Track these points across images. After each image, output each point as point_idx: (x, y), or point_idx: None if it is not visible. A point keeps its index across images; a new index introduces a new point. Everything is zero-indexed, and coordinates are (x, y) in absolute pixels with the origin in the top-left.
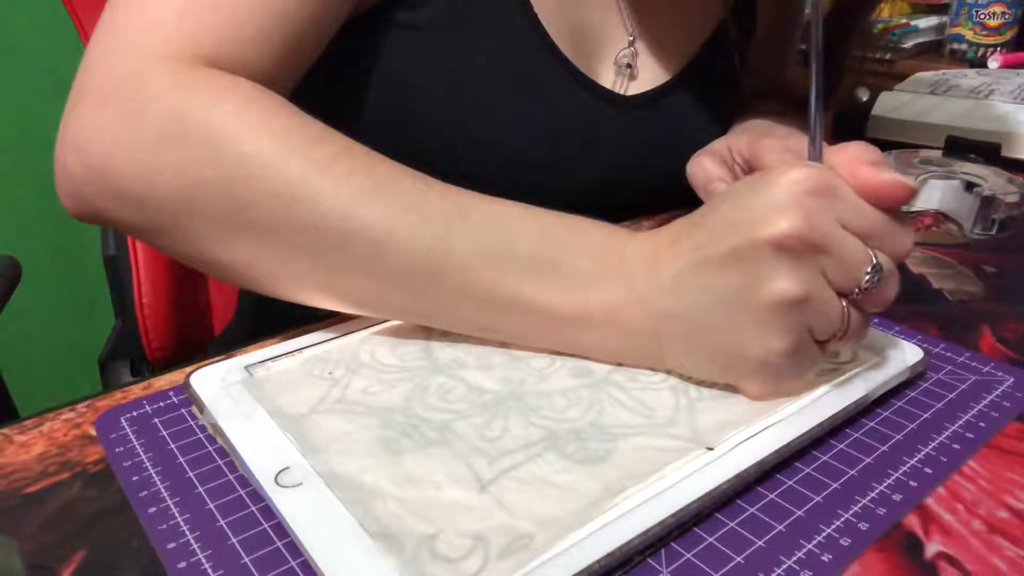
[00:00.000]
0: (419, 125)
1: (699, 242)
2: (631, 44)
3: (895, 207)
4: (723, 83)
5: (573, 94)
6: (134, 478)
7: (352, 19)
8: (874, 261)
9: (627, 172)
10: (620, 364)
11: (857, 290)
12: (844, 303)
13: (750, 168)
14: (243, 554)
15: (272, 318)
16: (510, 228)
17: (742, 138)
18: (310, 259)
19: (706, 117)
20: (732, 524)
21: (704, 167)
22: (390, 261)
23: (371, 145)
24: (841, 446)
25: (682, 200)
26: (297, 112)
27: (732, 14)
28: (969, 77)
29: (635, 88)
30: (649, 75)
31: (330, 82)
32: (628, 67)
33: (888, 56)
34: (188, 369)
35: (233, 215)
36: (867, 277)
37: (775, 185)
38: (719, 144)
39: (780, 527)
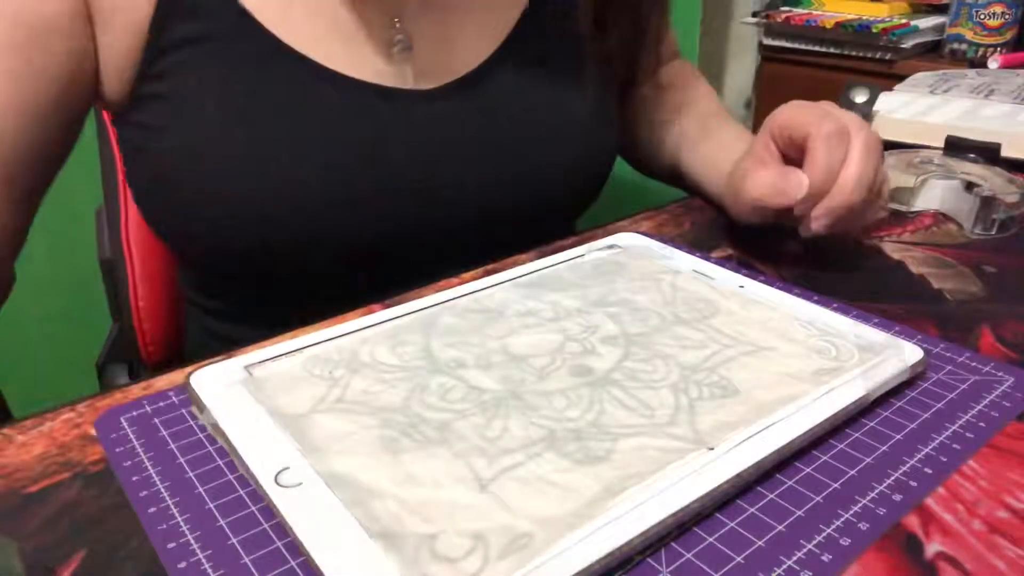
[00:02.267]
0: (214, 185)
1: None
2: (400, 32)
3: None
4: (551, 58)
5: (347, 105)
6: (134, 478)
7: (115, 117)
8: None
9: (455, 176)
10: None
11: None
12: None
13: (790, 138)
14: (243, 554)
15: (272, 322)
16: None
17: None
18: None
19: (535, 99)
20: (732, 524)
21: (765, 178)
22: None
23: (183, 243)
24: (841, 446)
25: (530, 203)
26: None
27: None
28: (969, 77)
29: (437, 80)
30: (455, 61)
31: (131, 178)
32: (408, 55)
33: (888, 56)
34: (188, 369)
35: None
36: None
37: None
38: (756, 148)
39: (780, 527)
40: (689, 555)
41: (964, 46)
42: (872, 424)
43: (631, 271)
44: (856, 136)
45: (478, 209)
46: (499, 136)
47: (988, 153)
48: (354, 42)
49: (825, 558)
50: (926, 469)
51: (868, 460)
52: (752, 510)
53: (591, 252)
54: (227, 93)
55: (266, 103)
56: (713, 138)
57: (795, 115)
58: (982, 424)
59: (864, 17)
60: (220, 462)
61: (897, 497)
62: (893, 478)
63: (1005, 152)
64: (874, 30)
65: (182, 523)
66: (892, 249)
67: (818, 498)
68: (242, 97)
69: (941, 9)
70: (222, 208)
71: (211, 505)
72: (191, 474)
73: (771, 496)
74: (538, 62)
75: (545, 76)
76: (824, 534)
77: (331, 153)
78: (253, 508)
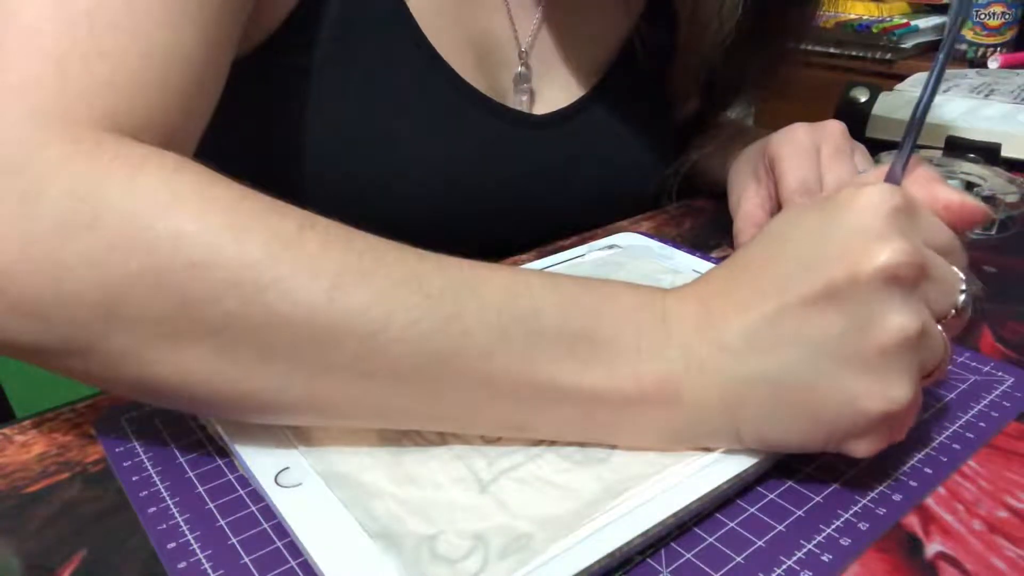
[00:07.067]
0: (321, 167)
1: (769, 289)
2: (524, 62)
3: (968, 229)
4: (639, 100)
5: (471, 117)
6: (134, 478)
7: (237, 68)
8: (963, 278)
9: (538, 194)
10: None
11: (953, 311)
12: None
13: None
14: (243, 554)
15: None
16: (529, 299)
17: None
18: (284, 363)
19: (621, 136)
20: (732, 524)
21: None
22: (391, 355)
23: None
24: None
25: (593, 221)
26: (233, 182)
27: (639, 28)
28: (969, 77)
29: (543, 107)
30: (559, 93)
31: (222, 136)
32: (526, 85)
33: (888, 56)
34: None
35: (173, 316)
36: (963, 297)
37: (854, 210)
38: (749, 193)
39: (780, 527)
40: (689, 555)
41: (964, 46)
42: None
43: (631, 271)
44: (824, 147)
45: (535, 229)
46: (581, 170)
47: (988, 153)
48: (485, 58)
49: (825, 558)
50: (926, 469)
51: (868, 460)
52: (752, 510)
53: (591, 252)
54: (363, 74)
55: (398, 96)
56: (724, 133)
57: (773, 148)
58: (982, 424)
59: (864, 17)
60: (220, 462)
61: (897, 497)
62: (893, 478)
63: (1005, 152)
64: (874, 30)
65: (182, 523)
66: None
67: (818, 498)
68: (377, 82)
69: (941, 9)
70: (313, 183)
71: (211, 505)
72: (191, 474)
73: (771, 496)
74: (626, 101)
75: (631, 116)
76: (824, 534)
77: (438, 155)
78: (253, 508)
